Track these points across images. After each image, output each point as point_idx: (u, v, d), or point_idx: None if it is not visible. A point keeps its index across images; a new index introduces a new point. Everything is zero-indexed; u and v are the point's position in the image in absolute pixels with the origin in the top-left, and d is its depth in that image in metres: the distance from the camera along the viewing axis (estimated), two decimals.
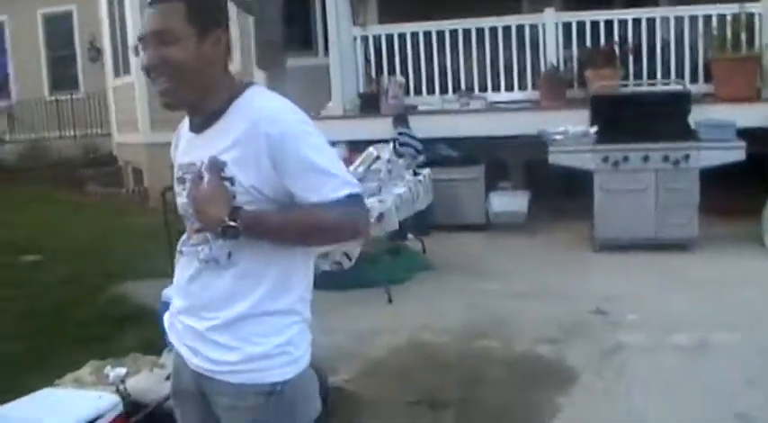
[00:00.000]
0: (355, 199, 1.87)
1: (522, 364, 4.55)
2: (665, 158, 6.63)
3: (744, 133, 6.74)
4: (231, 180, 1.85)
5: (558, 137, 6.96)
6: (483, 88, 8.39)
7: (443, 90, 8.49)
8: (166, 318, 2.14)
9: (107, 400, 3.40)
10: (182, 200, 1.99)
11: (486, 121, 7.99)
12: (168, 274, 6.12)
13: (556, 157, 6.92)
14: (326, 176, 1.84)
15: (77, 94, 16.15)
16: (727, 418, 3.74)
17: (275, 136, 1.82)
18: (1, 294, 6.82)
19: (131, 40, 11.21)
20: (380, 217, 5.52)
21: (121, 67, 12.07)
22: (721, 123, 6.70)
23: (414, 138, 7.72)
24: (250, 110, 1.88)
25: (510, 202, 7.78)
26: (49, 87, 17.20)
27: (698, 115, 6.94)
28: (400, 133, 7.70)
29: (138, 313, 5.97)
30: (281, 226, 1.88)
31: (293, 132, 1.85)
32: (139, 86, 11.18)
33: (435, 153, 7.89)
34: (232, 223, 1.82)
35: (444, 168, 7.70)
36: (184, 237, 2.04)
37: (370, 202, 5.37)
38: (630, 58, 7.96)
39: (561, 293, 5.77)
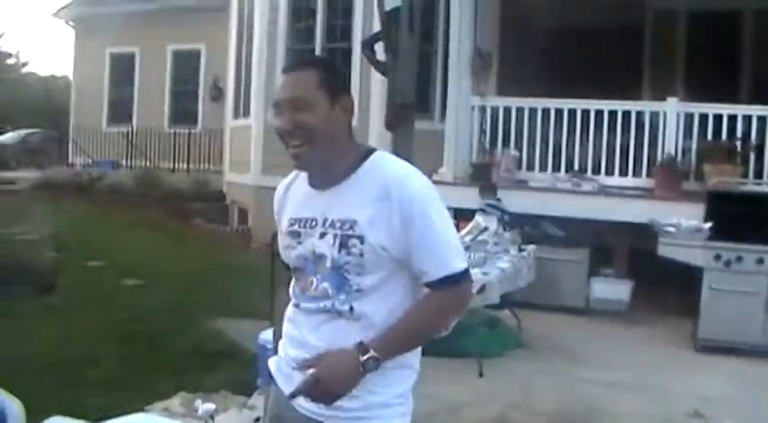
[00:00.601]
0: (464, 274, 2.00)
1: None
2: None
3: None
4: (361, 239, 1.94)
5: (670, 229, 6.80)
6: (596, 171, 8.31)
7: (556, 168, 8.45)
8: (272, 362, 2.19)
9: None
10: (296, 252, 2.06)
11: (595, 204, 7.89)
12: (265, 316, 6.22)
13: (666, 249, 6.75)
14: (445, 246, 1.98)
15: (195, 130, 16.78)
16: None
17: (406, 199, 1.93)
18: (100, 315, 7.04)
19: (255, 84, 11.62)
20: (482, 289, 5.48)
21: (242, 109, 12.49)
22: None
23: (501, 209, 7.58)
24: (381, 172, 1.99)
25: (612, 288, 7.62)
26: (169, 120, 17.94)
27: None
28: (488, 204, 7.59)
29: (232, 350, 6.07)
30: (407, 334, 1.99)
31: (422, 196, 1.96)
32: (256, 130, 11.53)
33: (541, 231, 7.83)
34: (368, 358, 1.91)
35: (548, 247, 7.61)
36: (296, 289, 2.10)
37: (474, 272, 5.35)
38: (752, 156, 7.76)
39: (658, 390, 5.57)
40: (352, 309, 1.97)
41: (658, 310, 7.54)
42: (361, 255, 1.94)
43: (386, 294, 1.99)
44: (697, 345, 6.62)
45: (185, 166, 16.27)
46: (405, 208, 1.93)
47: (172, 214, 13.20)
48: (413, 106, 6.40)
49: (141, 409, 4.19)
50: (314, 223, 2.02)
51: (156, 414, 4.06)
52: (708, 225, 6.71)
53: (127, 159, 17.38)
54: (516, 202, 7.85)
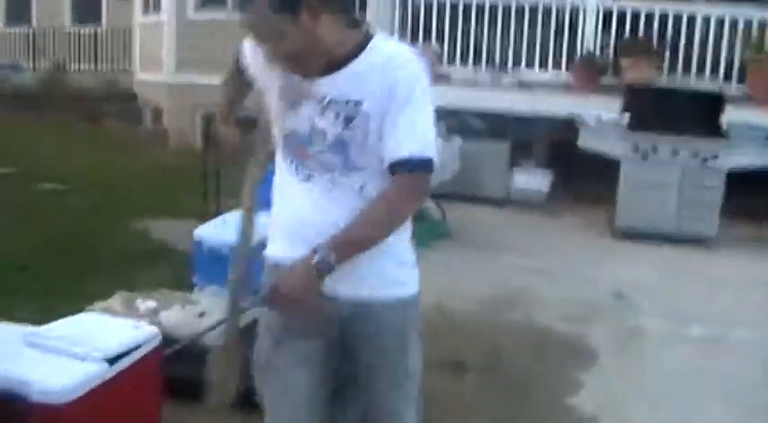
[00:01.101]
0: (426, 162, 2.01)
1: (544, 338, 4.65)
2: (695, 155, 6.70)
3: None
4: (365, 117, 2.00)
5: (590, 121, 7.00)
6: (516, 65, 8.40)
7: (477, 62, 8.50)
8: (275, 250, 2.22)
9: (145, 330, 3.38)
10: (293, 125, 2.10)
11: (516, 98, 8.01)
12: (191, 215, 6.18)
13: (586, 141, 6.97)
14: (417, 130, 2.00)
15: (99, 28, 16.05)
16: (743, 409, 3.86)
17: (400, 81, 1.98)
18: (22, 221, 6.85)
19: None
20: None
21: (151, 4, 11.99)
22: (755, 126, 6.76)
23: None
24: (381, 55, 2.02)
25: (532, 179, 7.84)
26: (71, 18, 17.07)
27: (730, 116, 6.98)
28: None
29: (161, 250, 6.05)
30: (361, 228, 2.02)
31: (414, 80, 2.01)
32: (169, 25, 11.12)
33: (463, 124, 7.91)
34: (320, 260, 1.96)
35: (471, 140, 7.72)
36: (291, 160, 2.14)
37: None
38: (667, 53, 7.98)
39: (581, 275, 5.86)
40: (361, 187, 2.05)
41: (577, 200, 7.81)
42: (365, 133, 2.01)
43: (385, 177, 2.03)
44: (615, 233, 6.94)
45: (92, 66, 15.63)
46: (395, 87, 1.98)
47: (82, 116, 12.76)
48: None
49: (80, 311, 4.15)
50: (318, 101, 2.05)
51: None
52: (626, 117, 6.93)
53: (29, 61, 16.54)
54: (439, 95, 7.83)
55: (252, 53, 2.17)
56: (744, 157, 6.67)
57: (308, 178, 2.11)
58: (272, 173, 2.28)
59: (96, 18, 16.51)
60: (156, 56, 11.63)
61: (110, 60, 15.39)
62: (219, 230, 4.78)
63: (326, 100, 2.03)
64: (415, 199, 2.09)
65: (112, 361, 2.91)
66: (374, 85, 1.99)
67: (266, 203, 2.32)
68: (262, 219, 2.46)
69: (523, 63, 8.40)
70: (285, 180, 2.18)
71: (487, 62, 8.46)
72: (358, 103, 2.00)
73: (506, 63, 8.42)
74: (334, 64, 2.02)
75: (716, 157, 6.66)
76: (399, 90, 1.98)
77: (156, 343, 3.26)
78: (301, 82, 2.05)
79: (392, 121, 1.99)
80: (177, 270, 5.32)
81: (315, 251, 1.96)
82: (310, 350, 2.17)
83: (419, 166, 1.99)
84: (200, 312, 4.03)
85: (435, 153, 2.01)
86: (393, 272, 2.18)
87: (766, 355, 4.56)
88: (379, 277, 2.14)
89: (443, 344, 4.39)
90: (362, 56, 2.02)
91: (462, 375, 4.07)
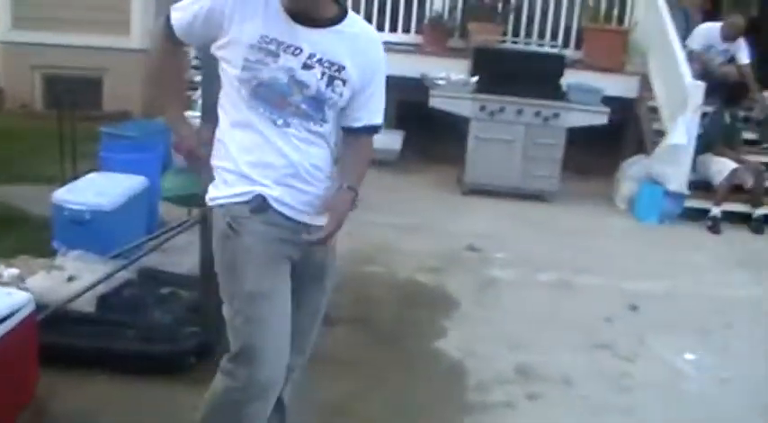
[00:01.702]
0: (380, 127, 2.51)
1: (407, 288, 4.91)
2: (537, 114, 7.14)
3: (607, 101, 7.32)
4: (345, 82, 2.31)
5: (440, 82, 7.27)
6: None
7: None
8: (263, 188, 2.36)
9: (19, 296, 3.31)
10: (269, 70, 2.27)
11: None
12: (43, 180, 5.96)
13: (436, 101, 7.24)
14: (380, 103, 2.46)
15: None
16: (588, 346, 4.29)
17: (376, 60, 2.39)
18: None
19: None
20: None
21: None
22: (590, 89, 7.25)
23: None
24: (362, 31, 2.38)
25: (384, 139, 7.94)
26: None
27: (568, 79, 7.46)
28: None
29: (14, 217, 5.80)
30: (362, 173, 2.52)
31: (383, 61, 2.42)
32: None
33: None
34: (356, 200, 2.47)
35: None
36: (267, 105, 2.31)
37: None
38: (511, 16, 8.37)
39: (434, 229, 6.16)
40: (328, 136, 2.38)
41: (428, 159, 8.13)
42: (341, 95, 2.32)
43: (336, 126, 2.42)
44: (464, 189, 7.29)
45: None
46: (372, 67, 2.37)
47: None
48: None
49: None
50: (298, 52, 2.27)
51: None
52: (474, 79, 7.26)
53: None
54: None
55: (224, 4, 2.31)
56: (581, 116, 7.15)
57: (288, 125, 2.33)
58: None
59: None
60: None
61: None
62: (79, 194, 4.70)
63: (314, 57, 2.29)
64: (371, 153, 2.56)
65: None
66: (357, 55, 2.32)
67: None
68: None
69: (374, 25, 8.53)
70: (254, 128, 2.34)
71: None
72: (342, 69, 2.30)
73: None
74: (320, 22, 2.29)
75: (557, 116, 7.12)
76: (378, 68, 2.39)
77: (30, 309, 3.21)
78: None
79: (370, 93, 2.39)
80: (32, 236, 5.16)
81: (350, 188, 2.41)
82: (286, 270, 2.44)
83: (377, 129, 2.49)
84: (68, 276, 3.98)
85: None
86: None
87: (608, 296, 5.03)
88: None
89: None
90: (345, 22, 2.33)
91: (332, 327, 4.22)
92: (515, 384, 3.80)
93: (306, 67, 2.28)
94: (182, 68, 2.70)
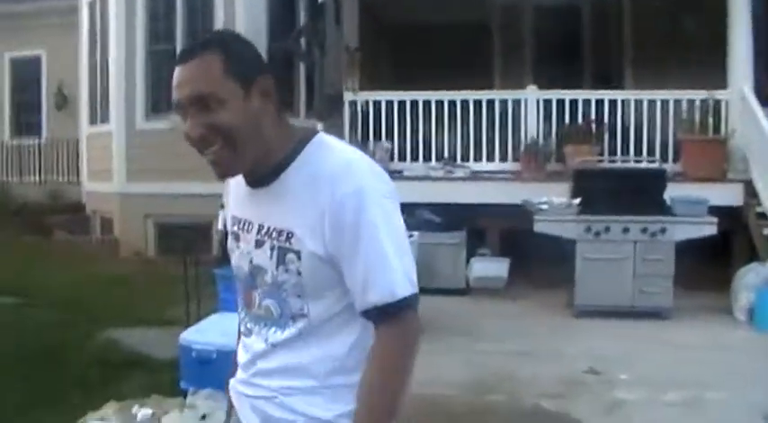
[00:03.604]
0: (407, 302, 1.63)
1: (532, 416, 4.80)
2: (644, 231, 7.08)
3: (712, 211, 7.24)
4: (298, 254, 1.62)
5: (543, 207, 7.34)
6: (466, 158, 8.78)
7: (427, 158, 8.85)
8: (231, 387, 1.88)
9: None
10: (236, 262, 1.78)
11: (468, 189, 8.35)
12: (157, 322, 6.21)
13: (541, 226, 7.29)
14: (379, 262, 1.60)
15: (40, 140, 16.08)
16: None
17: (338, 197, 1.59)
18: None
19: (114, 88, 11.32)
20: None
21: (99, 115, 12.14)
22: (695, 200, 7.19)
23: None
24: (316, 165, 1.64)
25: (491, 266, 8.10)
26: (11, 131, 17.05)
27: (671, 192, 7.43)
28: None
29: (136, 359, 6.03)
30: (370, 413, 1.64)
31: (360, 194, 1.59)
32: (118, 135, 11.27)
33: (418, 218, 8.17)
34: None
35: (426, 233, 7.96)
36: (240, 303, 1.82)
37: None
38: (606, 136, 8.48)
39: (552, 354, 6.06)
40: (300, 334, 1.68)
41: (534, 284, 8.10)
42: (299, 273, 1.63)
43: (341, 328, 1.68)
44: (575, 312, 7.20)
45: (35, 178, 15.59)
46: (335, 210, 1.58)
47: (29, 229, 12.63)
48: (341, 97, 6.59)
49: None
50: (250, 227, 1.72)
51: None
52: (577, 201, 7.30)
53: None
54: None
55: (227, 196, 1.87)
56: (689, 229, 7.07)
57: (249, 333, 1.78)
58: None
59: (36, 131, 16.54)
60: (104, 166, 11.72)
61: (54, 172, 15.36)
62: (205, 334, 4.87)
63: (263, 228, 1.69)
64: (405, 347, 1.65)
65: None
66: (307, 207, 1.61)
67: None
68: None
69: (473, 156, 8.78)
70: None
71: (438, 157, 8.80)
72: (290, 235, 1.63)
73: (456, 156, 8.78)
74: (264, 176, 1.68)
75: (664, 230, 7.05)
76: (346, 217, 1.58)
77: None
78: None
79: (348, 260, 1.60)
80: (156, 377, 5.34)
81: None
82: None
83: (396, 311, 1.61)
84: (202, 415, 4.09)
85: (412, 285, 1.64)
86: None
87: (740, 412, 4.81)
88: None
89: None
90: (294, 164, 1.66)
91: None
92: None
93: (258, 244, 1.69)
94: None
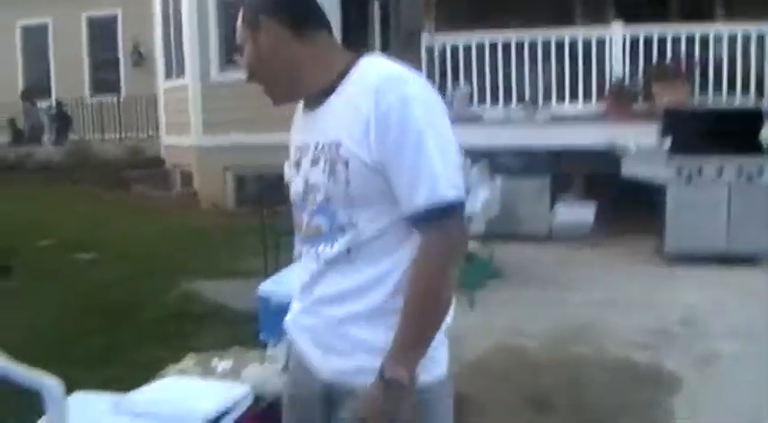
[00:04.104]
0: (451, 206, 1.64)
1: (621, 369, 4.57)
2: (739, 172, 6.69)
3: None
4: (346, 162, 1.66)
5: (631, 149, 6.99)
6: (548, 100, 8.43)
7: (508, 100, 8.54)
8: (289, 317, 1.94)
9: (238, 389, 3.36)
10: (294, 185, 1.84)
11: (550, 133, 8.04)
12: (239, 274, 6.15)
13: (630, 169, 6.97)
14: (425, 167, 1.62)
15: (119, 97, 16.31)
16: None
17: (386, 106, 1.62)
18: (66, 291, 6.84)
19: (188, 42, 11.31)
20: (469, 219, 5.55)
21: (174, 69, 12.17)
22: None
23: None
24: (366, 80, 1.68)
25: (576, 212, 7.81)
26: (90, 89, 17.35)
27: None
28: None
29: (216, 310, 6.03)
30: (413, 320, 1.66)
31: (406, 102, 1.63)
32: (194, 88, 11.28)
33: (501, 163, 7.92)
34: (390, 380, 1.65)
35: (508, 178, 7.72)
36: (297, 234, 1.89)
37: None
38: (696, 73, 8.01)
39: (640, 303, 5.81)
40: (349, 251, 1.70)
41: (621, 231, 7.77)
42: (347, 183, 1.67)
43: (391, 247, 1.70)
44: (666, 257, 6.88)
45: (116, 135, 15.85)
46: (380, 118, 1.62)
47: (111, 185, 12.88)
48: (417, 36, 6.39)
49: (152, 377, 4.12)
50: (307, 149, 1.78)
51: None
52: (668, 141, 6.93)
53: (51, 135, 16.75)
54: (473, 136, 7.90)
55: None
56: None
57: (299, 255, 1.86)
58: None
59: (115, 88, 16.78)
60: (182, 120, 11.77)
61: (133, 128, 15.59)
62: (283, 285, 4.78)
63: (318, 146, 1.74)
64: (449, 252, 1.66)
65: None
66: (353, 119, 1.66)
67: None
68: None
69: (555, 97, 8.44)
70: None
71: (519, 99, 8.48)
72: (338, 145, 1.68)
73: (538, 99, 8.45)
74: (321, 95, 1.77)
75: (761, 172, 6.63)
76: (391, 124, 1.61)
77: (249, 402, 3.26)
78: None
79: (395, 167, 1.63)
80: (237, 329, 5.30)
81: (381, 375, 1.65)
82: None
83: (440, 214, 1.62)
84: (282, 367, 4.00)
85: (458, 190, 1.65)
86: (370, 358, 1.71)
87: None
88: (353, 359, 1.73)
89: (520, 383, 4.35)
90: (343, 84, 1.73)
91: (550, 414, 4.00)
92: None
93: (314, 162, 1.75)
94: None
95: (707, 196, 6.74)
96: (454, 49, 8.64)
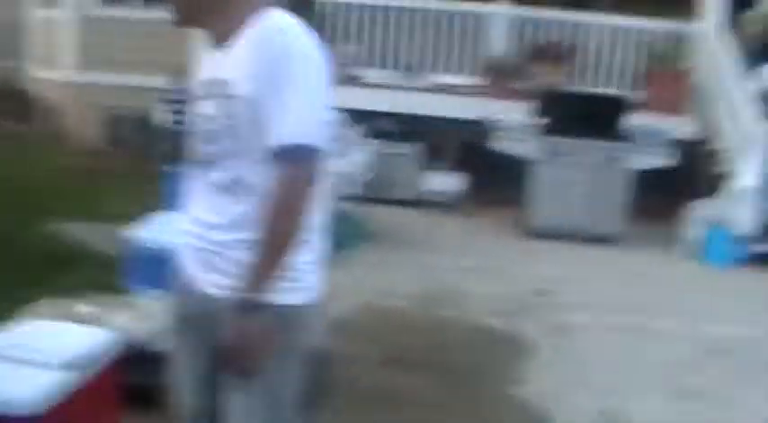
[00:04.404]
0: (304, 149, 1.82)
1: (480, 333, 4.83)
2: (602, 156, 7.09)
3: (673, 143, 7.24)
4: (234, 99, 1.85)
5: (504, 124, 7.24)
6: (430, 69, 8.57)
7: (392, 66, 8.61)
8: (180, 236, 2.08)
9: (101, 335, 3.27)
10: (193, 116, 2.00)
11: (428, 101, 8.18)
12: (107, 218, 5.95)
13: (500, 144, 7.21)
14: (292, 112, 1.81)
15: None
16: (675, 392, 4.17)
17: (272, 53, 1.82)
18: None
19: None
20: (347, 179, 5.63)
21: None
22: (656, 131, 7.20)
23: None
24: (263, 25, 1.86)
25: (446, 181, 8.03)
26: None
27: (634, 121, 7.41)
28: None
29: (81, 254, 5.84)
30: (265, 249, 1.82)
31: (288, 53, 1.83)
32: (69, 21, 10.72)
33: (375, 127, 8.00)
34: (244, 306, 1.82)
35: (383, 142, 7.81)
36: (189, 160, 2.05)
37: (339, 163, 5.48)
38: (575, 59, 8.35)
39: (502, 272, 6.09)
40: (236, 180, 1.89)
41: (489, 202, 8.03)
42: (228, 117, 1.87)
43: (271, 173, 1.85)
44: (528, 231, 7.21)
45: None
46: (266, 62, 1.82)
47: None
48: None
49: (7, 320, 3.98)
50: (207, 84, 1.95)
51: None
52: (540, 120, 7.22)
53: None
54: (354, 98, 7.93)
55: None
56: (647, 159, 7.07)
57: (193, 180, 2.02)
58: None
59: None
60: (54, 53, 11.20)
61: None
62: (154, 232, 4.70)
63: (213, 82, 1.92)
64: (300, 188, 1.83)
65: (77, 368, 2.83)
66: (246, 61, 1.84)
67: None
68: None
69: (438, 67, 8.58)
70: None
71: (403, 66, 8.57)
72: (228, 82, 1.87)
73: (421, 67, 8.57)
74: (225, 38, 1.92)
75: (623, 158, 7.04)
76: (273, 67, 1.81)
77: (115, 348, 3.20)
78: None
79: (271, 104, 1.81)
80: (100, 273, 5.17)
81: (244, 304, 1.82)
82: (200, 343, 2.02)
83: (296, 153, 1.81)
84: (146, 315, 3.96)
85: (316, 139, 1.83)
86: None
87: (686, 341, 4.91)
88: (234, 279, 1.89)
89: (384, 341, 4.50)
90: (244, 29, 1.89)
91: (411, 372, 4.16)
92: None
93: (209, 97, 1.93)
94: None
95: (571, 176, 7.10)
96: (348, 9, 8.60)
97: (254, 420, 1.95)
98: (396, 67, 8.64)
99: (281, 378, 1.95)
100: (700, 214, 7.20)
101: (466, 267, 6.08)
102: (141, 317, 4.01)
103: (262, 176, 1.85)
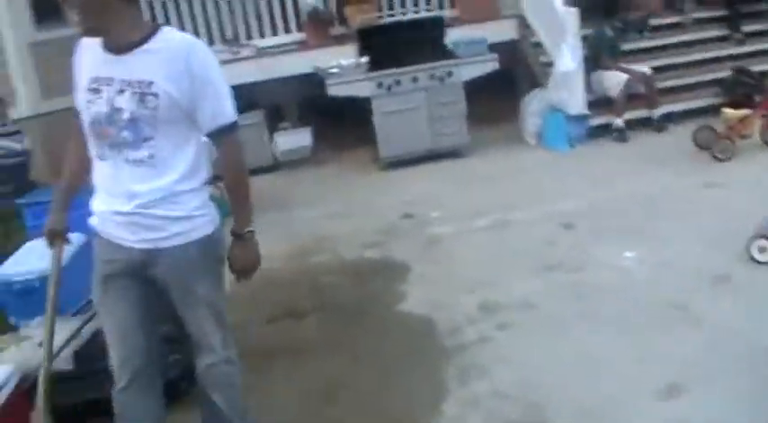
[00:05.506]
0: (236, 124, 2.62)
1: (357, 267, 5.14)
2: (432, 77, 7.41)
3: (493, 48, 7.64)
4: (156, 95, 2.45)
5: (333, 70, 7.45)
6: (250, 36, 8.63)
7: (211, 40, 8.60)
8: (95, 221, 2.68)
9: (2, 371, 3.39)
10: (96, 106, 2.51)
11: (258, 67, 8.25)
12: None
13: (335, 89, 7.42)
14: (222, 101, 2.55)
15: None
16: (539, 270, 4.64)
17: (195, 63, 2.47)
18: None
19: None
20: None
21: None
22: (474, 40, 7.55)
23: None
24: (174, 42, 2.49)
25: (294, 139, 8.21)
26: None
27: (451, 37, 7.77)
28: None
29: None
30: (239, 192, 2.70)
31: (207, 62, 2.52)
32: None
33: None
34: (245, 234, 2.71)
35: None
36: (97, 141, 2.56)
37: None
38: None
39: (366, 208, 6.40)
40: (151, 156, 2.51)
41: (340, 147, 8.29)
42: (155, 108, 2.45)
43: (179, 144, 2.53)
44: (381, 165, 7.52)
45: None
46: (189, 72, 2.46)
47: None
48: None
49: None
50: (111, 82, 2.48)
51: None
52: (365, 59, 7.47)
53: None
54: None
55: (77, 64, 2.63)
56: (473, 68, 7.45)
57: (103, 157, 2.56)
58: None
59: None
60: None
61: None
62: (22, 265, 4.70)
63: (125, 81, 2.47)
64: (241, 150, 2.66)
65: None
66: (165, 67, 2.44)
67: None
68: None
69: (257, 33, 8.64)
70: (94, 161, 2.62)
71: (222, 39, 8.59)
72: (150, 84, 2.45)
73: (240, 35, 8.61)
74: (127, 47, 2.48)
75: (450, 73, 7.40)
76: (198, 72, 2.46)
77: (15, 380, 3.32)
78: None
79: (201, 101, 2.49)
80: None
81: (240, 235, 2.68)
82: (128, 287, 2.66)
83: (233, 128, 2.60)
84: (39, 343, 4.02)
85: (236, 113, 2.60)
86: (173, 227, 2.58)
87: (542, 223, 5.40)
88: (162, 231, 2.58)
89: (273, 300, 4.70)
90: (153, 40, 2.48)
91: (302, 320, 4.42)
92: (483, 321, 4.07)
93: (120, 92, 2.47)
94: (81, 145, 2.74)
95: (407, 103, 7.40)
96: None
97: (207, 323, 2.72)
98: (223, 40, 8.61)
99: (218, 287, 2.73)
100: (534, 106, 7.70)
101: (332, 213, 6.34)
102: (33, 345, 4.09)
103: (172, 151, 2.50)
